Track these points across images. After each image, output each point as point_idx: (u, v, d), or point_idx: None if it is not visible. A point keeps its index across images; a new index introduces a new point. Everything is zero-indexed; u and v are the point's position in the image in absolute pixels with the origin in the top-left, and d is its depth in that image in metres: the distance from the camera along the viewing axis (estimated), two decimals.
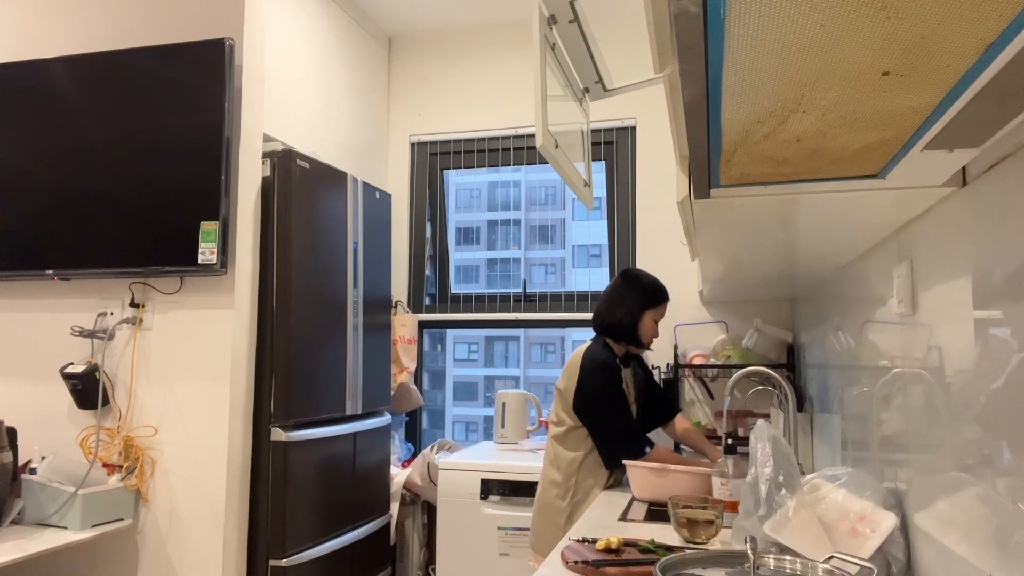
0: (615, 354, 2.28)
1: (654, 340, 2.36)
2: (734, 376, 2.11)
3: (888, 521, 1.24)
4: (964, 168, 0.97)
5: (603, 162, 3.42)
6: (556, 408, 2.29)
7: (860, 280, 1.62)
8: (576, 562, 1.44)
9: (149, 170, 2.36)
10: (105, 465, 2.35)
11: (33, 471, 2.24)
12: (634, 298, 2.28)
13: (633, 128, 3.38)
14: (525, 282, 3.52)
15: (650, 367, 3.13)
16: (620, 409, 2.20)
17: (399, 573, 3.28)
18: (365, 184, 2.96)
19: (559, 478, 2.21)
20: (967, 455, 0.97)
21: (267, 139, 2.61)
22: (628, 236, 3.36)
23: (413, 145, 3.69)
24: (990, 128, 0.77)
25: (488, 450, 3.10)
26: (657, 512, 1.95)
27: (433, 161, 3.67)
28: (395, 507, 3.15)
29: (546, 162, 1.46)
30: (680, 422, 2.46)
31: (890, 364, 1.37)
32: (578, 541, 1.58)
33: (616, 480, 2.31)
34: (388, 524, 3.08)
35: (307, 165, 2.58)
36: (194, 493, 2.32)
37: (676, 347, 3.11)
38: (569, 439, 2.23)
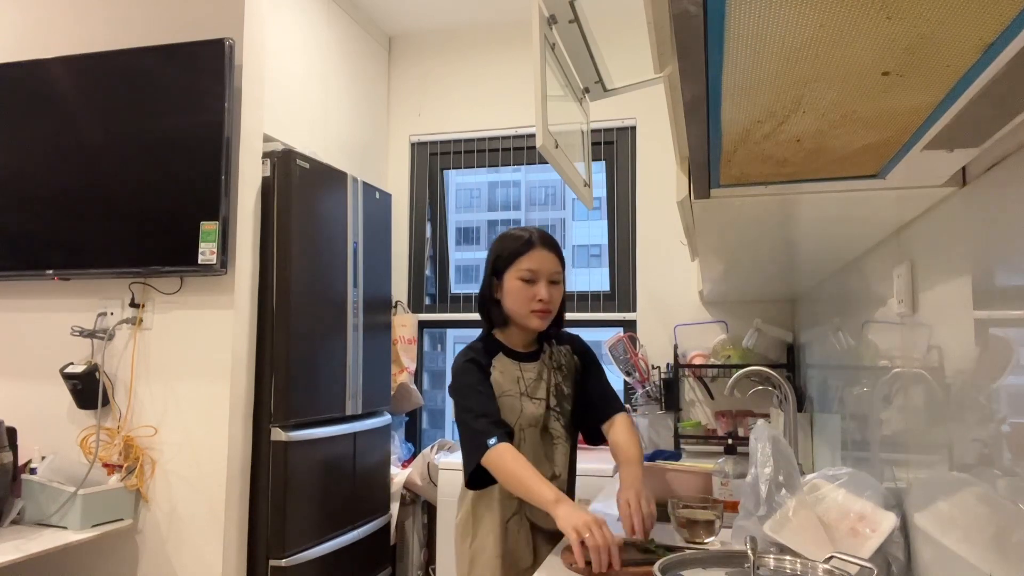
0: (490, 350, 1.73)
1: (544, 312, 1.67)
2: (734, 376, 2.11)
3: (888, 521, 1.24)
4: (964, 168, 0.96)
5: (603, 162, 3.42)
6: None
7: (860, 280, 1.62)
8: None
9: (149, 170, 2.36)
10: (105, 465, 2.35)
11: (33, 471, 2.24)
12: (488, 264, 1.74)
13: (633, 128, 3.37)
14: None
15: (649, 368, 3.14)
16: (470, 405, 1.65)
17: (399, 573, 3.27)
18: (365, 184, 2.96)
19: (460, 515, 1.76)
20: (967, 455, 0.97)
21: (267, 139, 2.61)
22: (628, 236, 3.36)
23: (413, 145, 3.69)
24: (990, 128, 0.77)
25: None
26: (657, 512, 1.95)
27: (433, 161, 3.67)
28: (395, 507, 3.15)
29: (546, 162, 1.45)
30: (617, 431, 1.74)
31: (890, 364, 1.37)
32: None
33: (518, 512, 1.70)
34: (388, 524, 3.08)
35: (307, 165, 2.58)
36: (194, 493, 2.32)
37: (676, 347, 3.11)
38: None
